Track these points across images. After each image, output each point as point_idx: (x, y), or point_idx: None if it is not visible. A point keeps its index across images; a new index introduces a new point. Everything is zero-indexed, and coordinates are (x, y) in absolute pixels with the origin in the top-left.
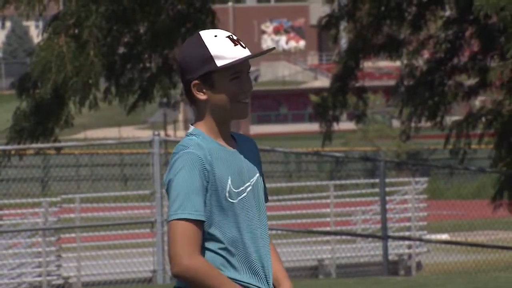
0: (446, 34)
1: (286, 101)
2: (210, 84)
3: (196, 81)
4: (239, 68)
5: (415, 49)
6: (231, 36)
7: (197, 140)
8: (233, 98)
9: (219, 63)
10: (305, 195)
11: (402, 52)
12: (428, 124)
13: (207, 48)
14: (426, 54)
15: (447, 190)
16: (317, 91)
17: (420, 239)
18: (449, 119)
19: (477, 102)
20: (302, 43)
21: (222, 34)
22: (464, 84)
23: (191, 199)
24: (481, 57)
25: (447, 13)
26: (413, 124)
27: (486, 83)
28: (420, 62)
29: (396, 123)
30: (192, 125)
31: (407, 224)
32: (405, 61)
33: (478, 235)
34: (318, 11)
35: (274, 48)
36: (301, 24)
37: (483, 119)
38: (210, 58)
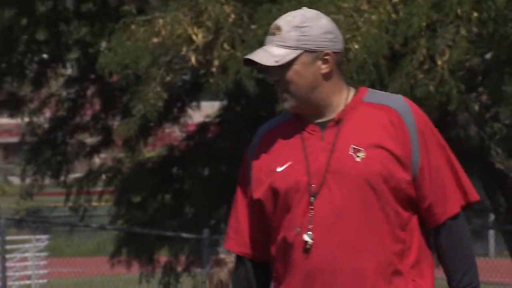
0: (68, 93)
1: None
2: None
3: None
4: None
5: (37, 107)
6: None
7: None
8: None
9: None
10: None
11: (24, 109)
12: (52, 181)
13: None
14: (48, 112)
15: (68, 248)
16: None
17: None
18: (72, 177)
19: (98, 159)
20: None
21: None
22: (86, 143)
23: None
24: (103, 116)
25: (69, 71)
26: (36, 182)
27: (108, 141)
28: (42, 120)
29: (15, 180)
30: None
31: (27, 282)
32: (27, 119)
33: None
34: None
35: None
36: None
37: (104, 176)
38: None
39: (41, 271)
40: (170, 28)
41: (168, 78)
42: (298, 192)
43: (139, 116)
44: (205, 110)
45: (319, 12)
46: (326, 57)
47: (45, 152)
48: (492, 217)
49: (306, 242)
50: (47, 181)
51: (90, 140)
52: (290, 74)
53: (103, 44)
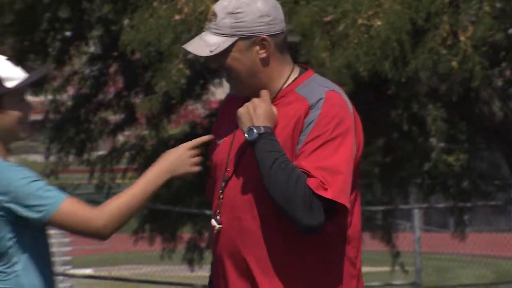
0: (91, 70)
1: None
2: None
3: None
4: (25, 89)
5: (60, 84)
6: (8, 58)
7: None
8: (20, 120)
9: (10, 84)
10: None
11: (47, 87)
12: (75, 159)
13: None
14: (71, 90)
15: None
16: None
17: (64, 274)
18: (95, 154)
19: (121, 137)
20: None
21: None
22: (110, 120)
23: None
24: (126, 93)
25: (92, 49)
26: (60, 160)
27: (131, 119)
28: (65, 98)
29: (37, 158)
30: None
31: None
32: (50, 97)
33: (122, 269)
34: None
35: (52, 67)
36: None
37: (127, 154)
38: None
39: (65, 248)
40: (192, 5)
41: (190, 55)
42: (219, 172)
43: (162, 94)
44: (227, 87)
45: None
46: (263, 42)
47: (69, 130)
48: None
49: (214, 226)
50: (70, 158)
51: (113, 117)
52: (229, 61)
53: (126, 21)
